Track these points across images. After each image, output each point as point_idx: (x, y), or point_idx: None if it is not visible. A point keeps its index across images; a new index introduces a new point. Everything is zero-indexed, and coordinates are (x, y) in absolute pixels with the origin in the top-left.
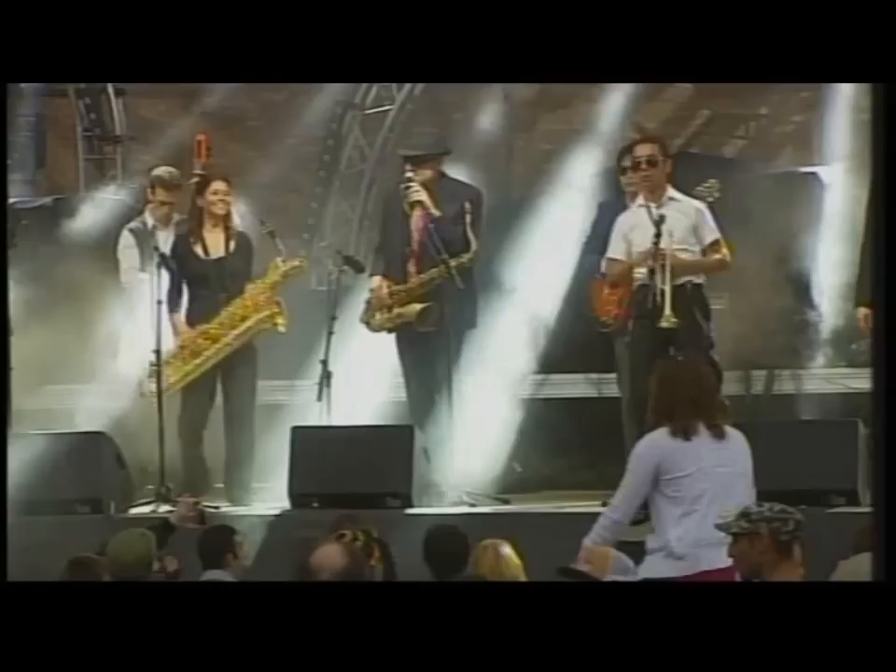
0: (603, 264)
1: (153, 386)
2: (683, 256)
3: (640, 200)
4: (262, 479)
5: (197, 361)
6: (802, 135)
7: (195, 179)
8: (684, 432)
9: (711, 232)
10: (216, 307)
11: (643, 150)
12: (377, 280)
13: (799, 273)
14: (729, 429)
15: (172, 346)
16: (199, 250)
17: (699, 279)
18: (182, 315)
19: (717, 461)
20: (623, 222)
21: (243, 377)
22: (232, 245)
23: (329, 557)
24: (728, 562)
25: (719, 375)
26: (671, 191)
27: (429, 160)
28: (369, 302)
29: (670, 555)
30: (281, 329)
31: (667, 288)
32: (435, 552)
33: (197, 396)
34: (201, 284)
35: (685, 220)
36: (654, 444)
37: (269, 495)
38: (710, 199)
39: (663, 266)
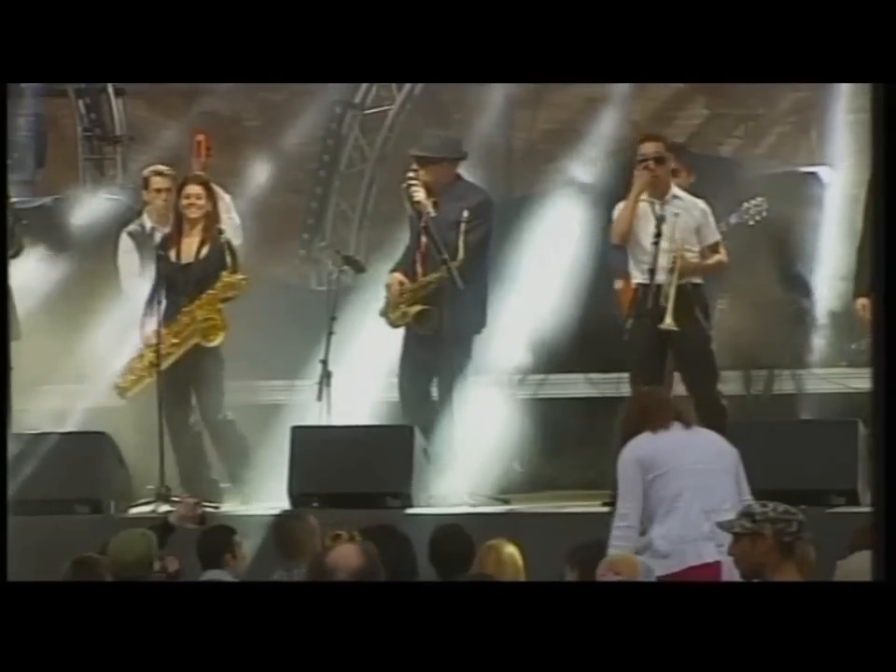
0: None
1: (121, 381)
2: (687, 257)
3: (643, 195)
4: (262, 479)
5: (146, 364)
6: (801, 135)
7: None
8: (662, 427)
9: (713, 234)
10: (177, 313)
11: (650, 148)
12: (393, 276)
13: (799, 273)
14: (704, 429)
15: (137, 350)
16: (172, 254)
17: (698, 279)
18: (156, 318)
19: (693, 459)
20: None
21: (208, 377)
22: (205, 251)
23: (346, 558)
24: (715, 556)
25: (715, 375)
26: (675, 189)
27: (438, 161)
28: (387, 298)
29: (656, 554)
30: (206, 344)
31: (673, 291)
32: (439, 552)
33: (173, 401)
34: (170, 288)
35: (689, 221)
36: (636, 446)
37: (269, 495)
38: (758, 218)
39: (672, 270)
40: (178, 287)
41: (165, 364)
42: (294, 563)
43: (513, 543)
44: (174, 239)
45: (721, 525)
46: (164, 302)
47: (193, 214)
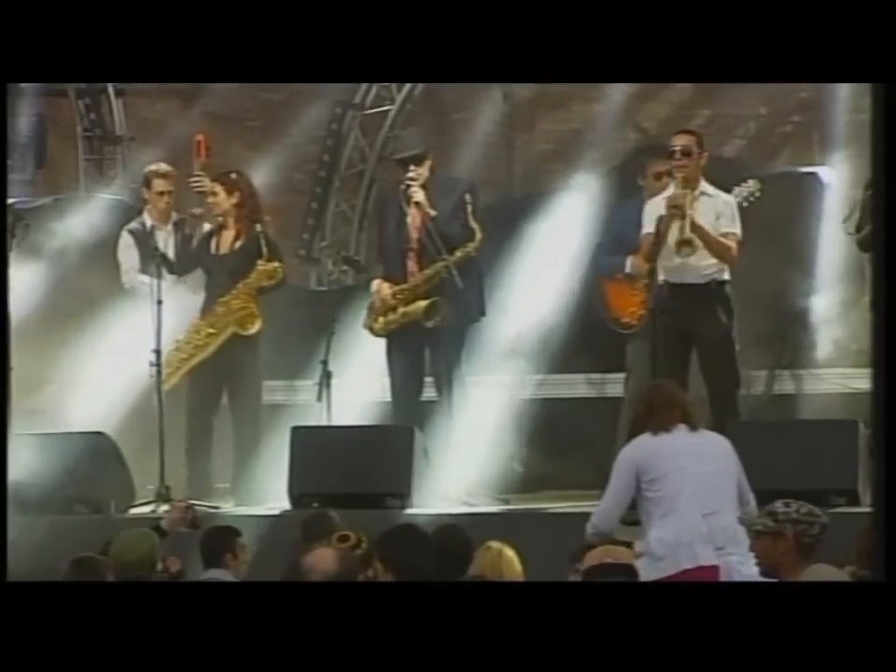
0: (628, 262)
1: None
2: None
3: (671, 191)
4: (262, 479)
5: (183, 356)
6: (802, 135)
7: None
8: (665, 428)
9: (731, 225)
10: (213, 304)
11: (679, 140)
12: (377, 283)
13: (799, 273)
14: (709, 432)
15: (175, 343)
16: (212, 246)
17: (723, 276)
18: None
19: (694, 460)
20: (650, 211)
21: (246, 377)
22: (240, 242)
23: (322, 561)
24: (712, 559)
25: (736, 379)
26: (704, 185)
27: (424, 157)
28: (370, 307)
29: (652, 556)
30: (243, 332)
31: (688, 224)
32: (439, 551)
33: (202, 396)
34: (208, 279)
35: (709, 209)
36: (636, 446)
37: (269, 495)
38: (751, 199)
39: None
40: (215, 277)
41: (202, 355)
42: None
43: (511, 546)
44: (218, 231)
45: (741, 521)
46: (204, 294)
47: (214, 211)
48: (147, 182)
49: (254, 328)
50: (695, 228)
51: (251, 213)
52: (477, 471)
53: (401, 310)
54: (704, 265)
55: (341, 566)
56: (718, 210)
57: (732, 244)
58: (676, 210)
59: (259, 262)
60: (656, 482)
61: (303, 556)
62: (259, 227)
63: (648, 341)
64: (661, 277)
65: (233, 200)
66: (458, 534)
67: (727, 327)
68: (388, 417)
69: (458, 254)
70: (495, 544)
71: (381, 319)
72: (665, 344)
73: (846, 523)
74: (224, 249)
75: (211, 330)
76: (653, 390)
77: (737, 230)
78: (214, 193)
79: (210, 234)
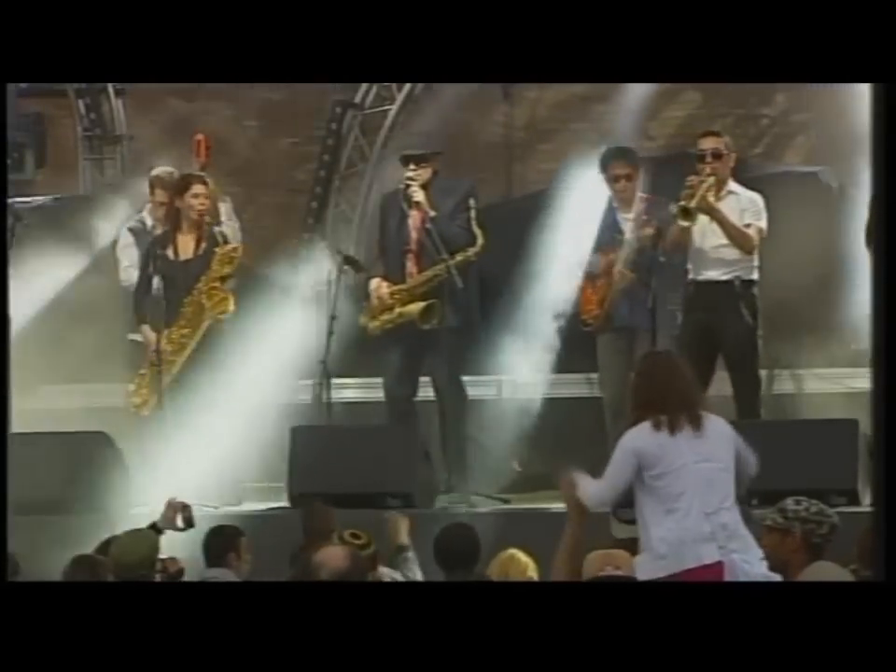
0: (588, 260)
1: (136, 399)
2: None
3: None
4: (262, 479)
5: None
6: (802, 135)
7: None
8: (669, 427)
9: (752, 217)
10: (180, 307)
11: (708, 143)
12: (376, 282)
13: (799, 273)
14: (709, 419)
15: (147, 363)
16: (170, 252)
17: (750, 275)
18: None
19: (698, 457)
20: None
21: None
22: (203, 247)
23: (332, 558)
24: (716, 557)
25: (757, 380)
26: (732, 185)
27: (428, 159)
28: (367, 305)
29: (655, 555)
30: (221, 317)
31: (701, 190)
32: (445, 550)
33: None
34: (168, 286)
35: (735, 205)
36: (637, 436)
37: (269, 495)
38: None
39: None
40: (178, 283)
41: (183, 355)
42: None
43: (527, 552)
44: (170, 236)
45: (753, 518)
46: (164, 302)
47: (198, 215)
48: (151, 186)
49: (229, 308)
50: (711, 209)
51: (212, 218)
52: (477, 471)
53: (398, 310)
54: (727, 259)
55: (351, 564)
56: (742, 206)
57: (752, 233)
58: (689, 190)
59: (216, 249)
60: (663, 477)
61: (314, 553)
62: (207, 222)
63: (617, 338)
64: (689, 276)
65: (209, 205)
66: (465, 534)
67: (751, 327)
68: (388, 417)
69: (458, 258)
70: (511, 549)
71: (377, 318)
72: (691, 343)
73: (846, 523)
74: (187, 255)
75: (185, 331)
76: (660, 375)
77: (762, 223)
78: (206, 196)
79: (164, 241)
